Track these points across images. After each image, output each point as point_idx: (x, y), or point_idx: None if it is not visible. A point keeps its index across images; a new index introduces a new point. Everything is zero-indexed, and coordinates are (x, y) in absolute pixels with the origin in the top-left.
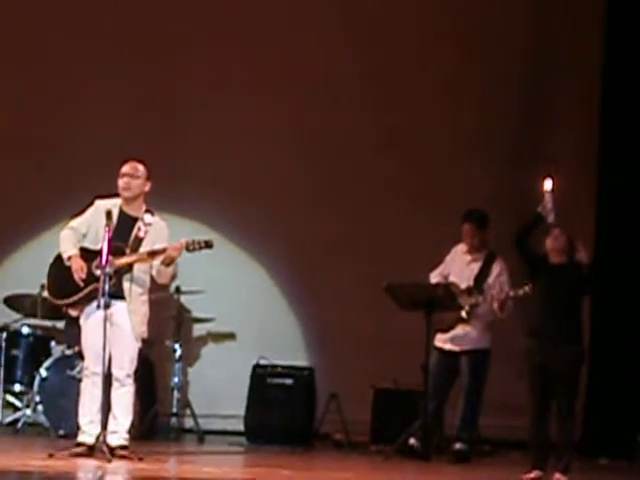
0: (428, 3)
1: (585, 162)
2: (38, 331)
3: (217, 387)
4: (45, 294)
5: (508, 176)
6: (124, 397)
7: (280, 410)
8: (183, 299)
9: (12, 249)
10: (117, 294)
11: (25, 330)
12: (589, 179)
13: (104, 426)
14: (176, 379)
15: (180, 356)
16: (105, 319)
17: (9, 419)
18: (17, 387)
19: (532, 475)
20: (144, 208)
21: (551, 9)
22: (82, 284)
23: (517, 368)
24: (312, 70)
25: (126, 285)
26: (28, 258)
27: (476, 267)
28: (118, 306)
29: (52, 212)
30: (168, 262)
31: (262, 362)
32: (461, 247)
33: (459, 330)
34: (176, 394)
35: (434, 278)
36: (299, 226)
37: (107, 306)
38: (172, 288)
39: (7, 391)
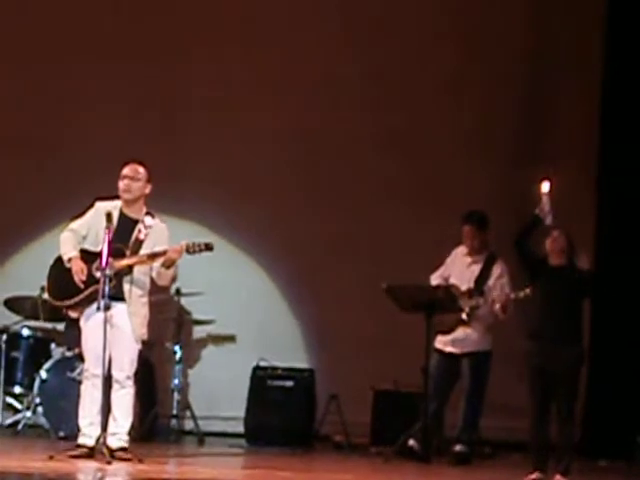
0: (428, 3)
1: (585, 162)
2: (38, 333)
3: (217, 389)
4: (45, 296)
5: (508, 176)
6: (124, 399)
7: (280, 412)
8: (183, 301)
9: (12, 251)
10: (117, 296)
11: (25, 332)
12: (589, 179)
13: (104, 428)
14: (176, 381)
15: (180, 358)
16: (105, 321)
17: (9, 421)
18: (17, 389)
19: (532, 477)
20: (144, 210)
21: (551, 9)
22: (82, 286)
23: (517, 370)
24: (312, 70)
25: (126, 287)
26: (28, 260)
27: (477, 269)
28: (118, 308)
29: (52, 213)
30: (168, 264)
31: (262, 364)
32: (461, 249)
33: (460, 333)
34: (176, 396)
35: (434, 280)
36: (299, 226)
37: (107, 308)
38: (172, 290)
39: (7, 393)
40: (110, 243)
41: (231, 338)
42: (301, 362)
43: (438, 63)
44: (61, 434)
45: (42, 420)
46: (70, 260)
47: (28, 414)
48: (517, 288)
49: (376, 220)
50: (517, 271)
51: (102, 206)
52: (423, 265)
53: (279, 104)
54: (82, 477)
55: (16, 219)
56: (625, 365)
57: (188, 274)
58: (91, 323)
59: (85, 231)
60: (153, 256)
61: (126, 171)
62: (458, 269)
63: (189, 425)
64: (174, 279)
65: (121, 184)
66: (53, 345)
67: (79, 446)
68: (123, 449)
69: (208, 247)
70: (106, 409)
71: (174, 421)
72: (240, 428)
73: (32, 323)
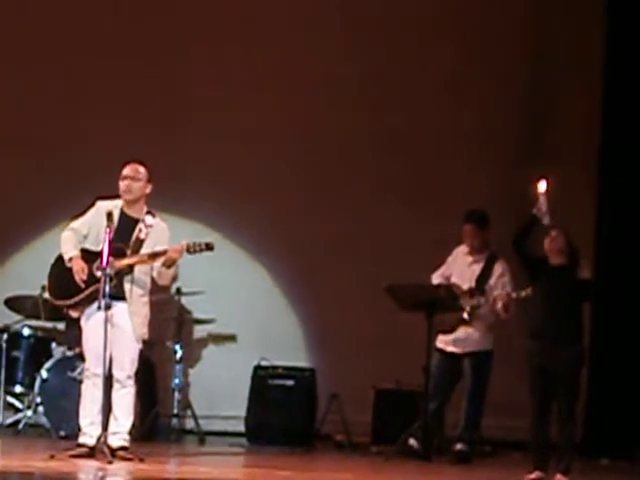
0: (428, 3)
1: (585, 162)
2: (39, 332)
3: (218, 388)
4: (46, 295)
5: (508, 176)
6: (125, 398)
7: (281, 411)
8: (184, 300)
9: (13, 250)
10: (118, 295)
11: (26, 331)
12: (589, 179)
13: (105, 427)
14: (177, 380)
15: (181, 357)
16: (106, 320)
17: (10, 420)
18: (18, 388)
19: (533, 476)
20: (145, 210)
21: (551, 9)
22: (83, 285)
23: (518, 369)
24: (312, 70)
25: (127, 286)
26: (29, 259)
27: (478, 268)
28: (119, 307)
29: (52, 213)
30: (169, 264)
31: (263, 363)
32: (462, 248)
33: (461, 332)
34: (177, 395)
35: (436, 279)
36: (299, 226)
37: (108, 307)
38: (173, 289)
39: (8, 392)
40: (111, 242)
41: (232, 337)
42: (302, 361)
43: (438, 63)
44: (62, 433)
45: (43, 419)
46: (71, 259)
47: (29, 413)
48: (518, 288)
49: (376, 220)
50: (518, 271)
51: (103, 205)
52: (423, 265)
53: (279, 104)
54: (83, 476)
55: (16, 219)
56: (626, 364)
57: (189, 273)
58: (92, 322)
59: (86, 230)
60: (154, 255)
61: (127, 171)
62: (459, 268)
63: (190, 424)
64: (175, 278)
65: (122, 184)
66: (54, 344)
67: (80, 445)
68: (124, 448)
69: (208, 247)
70: (107, 408)
71: (175, 420)
72: (241, 427)
73: (33, 322)
